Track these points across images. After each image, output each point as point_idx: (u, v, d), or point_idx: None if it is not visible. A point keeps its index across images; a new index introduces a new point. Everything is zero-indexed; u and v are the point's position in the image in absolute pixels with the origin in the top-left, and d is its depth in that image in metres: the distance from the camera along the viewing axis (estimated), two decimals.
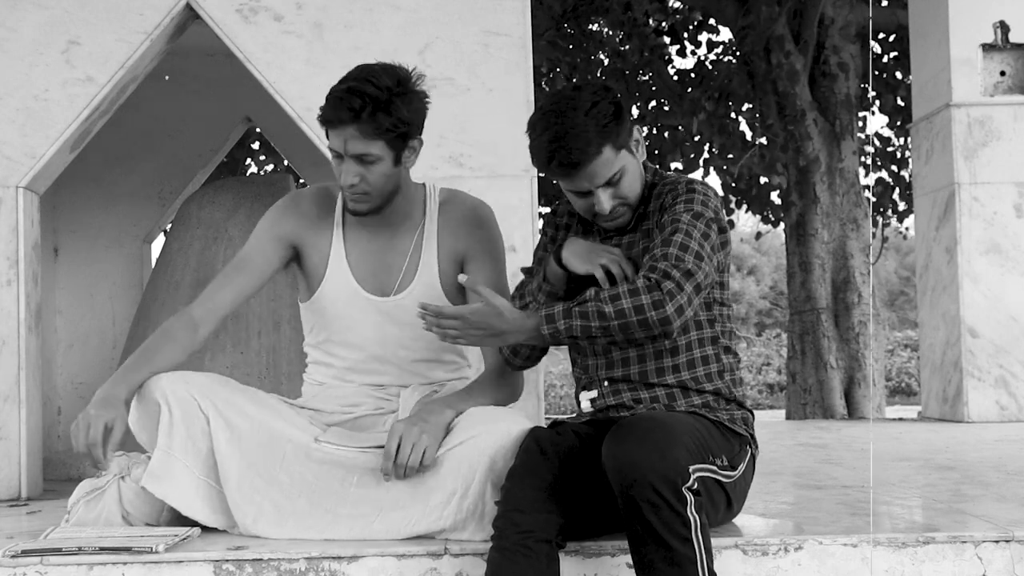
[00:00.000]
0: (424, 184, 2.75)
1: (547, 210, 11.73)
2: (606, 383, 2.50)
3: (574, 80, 10.70)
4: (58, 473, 4.37)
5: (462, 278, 2.42)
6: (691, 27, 11.39)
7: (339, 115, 2.48)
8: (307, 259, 2.72)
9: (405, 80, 2.54)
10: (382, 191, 2.58)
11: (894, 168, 11.86)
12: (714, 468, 2.31)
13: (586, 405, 2.54)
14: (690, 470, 2.16)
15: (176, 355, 2.60)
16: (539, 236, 2.74)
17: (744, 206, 12.12)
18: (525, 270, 2.67)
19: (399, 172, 2.60)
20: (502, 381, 2.64)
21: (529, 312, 2.35)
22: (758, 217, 12.28)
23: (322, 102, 2.55)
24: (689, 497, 2.13)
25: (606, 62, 11.52)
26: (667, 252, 2.30)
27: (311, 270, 2.72)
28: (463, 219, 2.71)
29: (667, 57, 11.38)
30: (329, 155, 2.60)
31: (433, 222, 2.70)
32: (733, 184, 11.84)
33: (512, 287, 2.71)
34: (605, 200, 2.42)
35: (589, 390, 2.54)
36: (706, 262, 2.32)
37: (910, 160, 10.19)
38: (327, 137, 2.57)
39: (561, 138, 2.35)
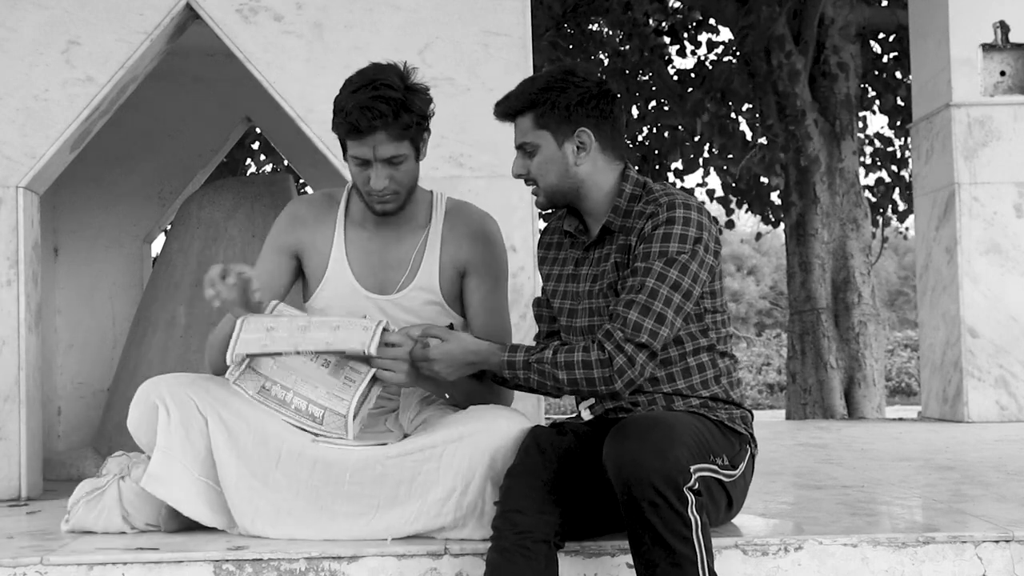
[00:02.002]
0: (431, 191, 2.80)
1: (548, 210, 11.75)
2: None
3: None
4: (58, 473, 4.36)
5: (422, 340, 2.47)
6: (691, 27, 11.38)
7: (371, 123, 2.51)
8: (308, 261, 2.75)
9: (407, 75, 2.60)
10: (408, 188, 2.65)
11: (894, 168, 11.85)
12: (715, 467, 2.32)
13: (586, 414, 2.56)
14: (691, 470, 2.16)
15: None
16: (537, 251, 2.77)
17: (744, 206, 12.11)
18: (536, 300, 2.73)
19: (419, 166, 2.67)
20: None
21: (495, 349, 2.43)
22: (758, 217, 12.27)
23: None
24: (690, 497, 2.14)
25: (606, 62, 11.51)
26: (627, 318, 2.32)
27: (312, 271, 2.75)
28: (469, 232, 2.74)
29: (667, 57, 11.38)
30: (350, 163, 2.61)
31: (438, 228, 2.73)
32: (733, 184, 11.83)
33: (509, 291, 2.73)
34: (519, 162, 2.50)
35: (587, 398, 2.55)
36: (668, 323, 2.34)
37: (910, 160, 10.18)
38: (345, 147, 2.59)
39: (520, 84, 2.51)
